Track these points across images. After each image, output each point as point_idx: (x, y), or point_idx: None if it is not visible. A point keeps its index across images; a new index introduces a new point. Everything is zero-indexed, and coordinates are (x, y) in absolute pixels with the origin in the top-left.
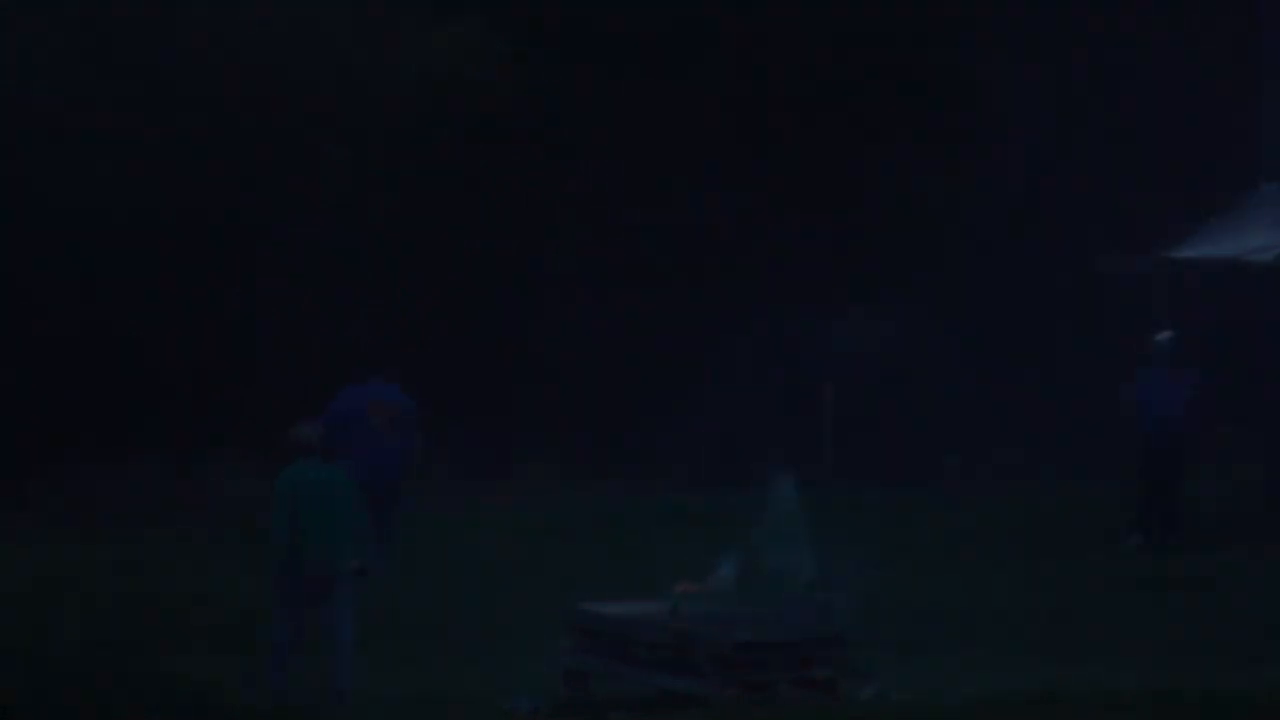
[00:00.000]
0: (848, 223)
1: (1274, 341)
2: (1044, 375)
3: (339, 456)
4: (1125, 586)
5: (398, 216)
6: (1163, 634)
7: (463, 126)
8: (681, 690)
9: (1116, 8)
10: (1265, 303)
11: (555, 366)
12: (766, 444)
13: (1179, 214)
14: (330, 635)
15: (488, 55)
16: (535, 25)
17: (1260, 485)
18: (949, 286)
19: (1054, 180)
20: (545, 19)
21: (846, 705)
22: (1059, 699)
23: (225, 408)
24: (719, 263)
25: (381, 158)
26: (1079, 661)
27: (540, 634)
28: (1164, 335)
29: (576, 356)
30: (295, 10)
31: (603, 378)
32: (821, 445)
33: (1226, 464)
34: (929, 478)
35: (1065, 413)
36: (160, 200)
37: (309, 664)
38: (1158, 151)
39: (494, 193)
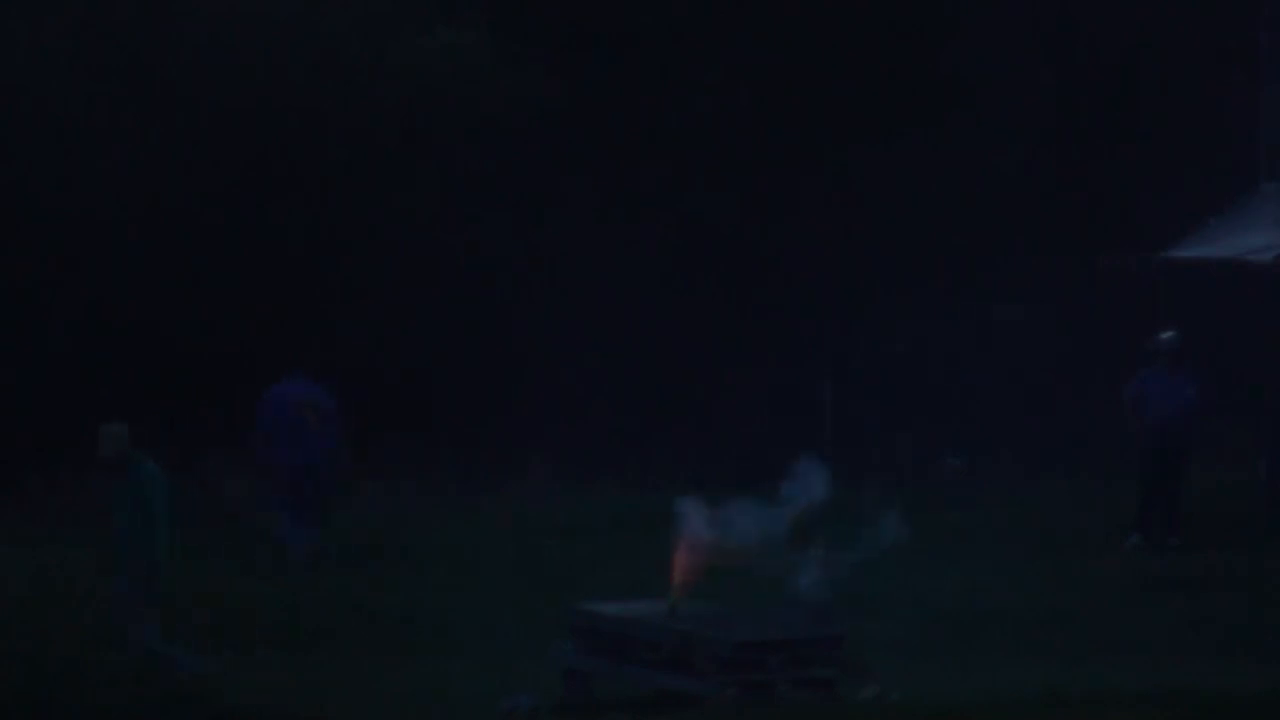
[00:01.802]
0: (848, 223)
1: (1274, 341)
2: (1044, 375)
3: (274, 454)
4: (1125, 586)
5: (397, 216)
6: (1163, 634)
7: (463, 126)
8: (681, 690)
9: (1117, 7)
10: (1265, 303)
11: (555, 367)
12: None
13: (1179, 214)
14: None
15: (488, 55)
16: (535, 25)
17: (1260, 485)
18: (949, 286)
19: (1054, 180)
20: (545, 19)
21: (846, 705)
22: (1059, 699)
23: (225, 408)
24: (719, 263)
25: (381, 157)
26: (1079, 661)
27: (540, 634)
28: (1164, 335)
29: (578, 357)
30: (295, 10)
31: (604, 378)
32: (822, 445)
33: (1226, 464)
34: (929, 478)
35: (1066, 412)
36: (159, 201)
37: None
38: (1158, 151)
39: (493, 193)
